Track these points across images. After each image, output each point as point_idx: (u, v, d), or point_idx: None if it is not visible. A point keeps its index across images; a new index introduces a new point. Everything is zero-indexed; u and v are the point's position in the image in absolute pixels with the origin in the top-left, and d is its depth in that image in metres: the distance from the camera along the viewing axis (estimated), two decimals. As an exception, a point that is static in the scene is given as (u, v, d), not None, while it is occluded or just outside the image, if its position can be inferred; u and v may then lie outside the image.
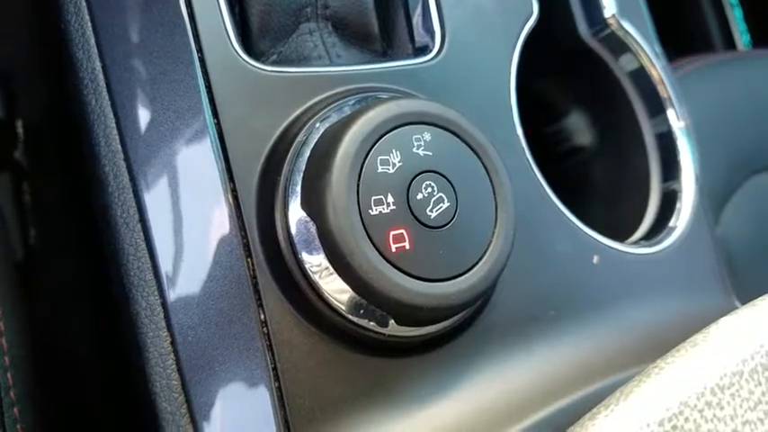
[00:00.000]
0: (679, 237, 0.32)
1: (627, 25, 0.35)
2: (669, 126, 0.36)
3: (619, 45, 0.36)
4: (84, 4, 0.25)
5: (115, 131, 0.24)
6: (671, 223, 0.33)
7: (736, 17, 1.17)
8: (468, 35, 0.29)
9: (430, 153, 0.24)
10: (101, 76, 0.24)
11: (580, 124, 0.40)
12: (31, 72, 0.54)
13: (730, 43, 1.16)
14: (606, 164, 0.39)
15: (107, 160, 0.24)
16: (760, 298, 0.20)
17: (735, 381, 0.15)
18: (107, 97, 0.24)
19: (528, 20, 0.31)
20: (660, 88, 0.36)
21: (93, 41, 0.24)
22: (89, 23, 0.25)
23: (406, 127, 0.24)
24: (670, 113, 0.36)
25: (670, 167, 0.36)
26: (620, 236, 0.35)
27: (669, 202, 0.35)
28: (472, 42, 0.29)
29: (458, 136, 0.24)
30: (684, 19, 1.17)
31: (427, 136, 0.24)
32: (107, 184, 0.24)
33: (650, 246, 0.32)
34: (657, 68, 0.36)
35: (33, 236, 0.46)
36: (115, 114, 0.24)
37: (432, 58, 0.28)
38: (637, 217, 0.35)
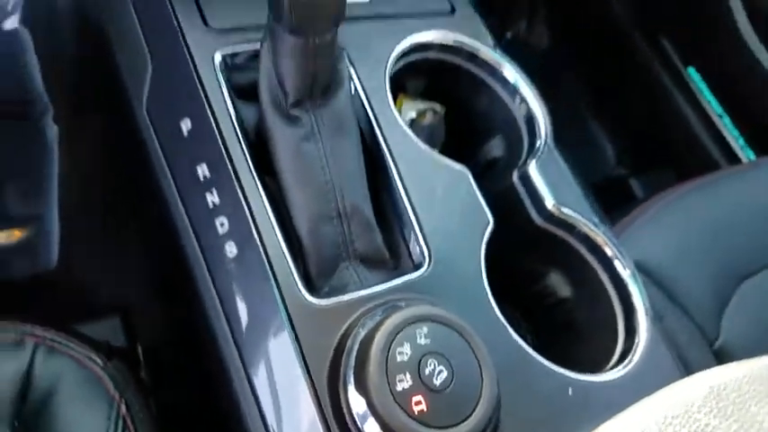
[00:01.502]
0: (638, 361, 0.43)
1: (566, 210, 0.49)
2: (620, 275, 0.48)
3: (566, 224, 0.50)
4: (209, 279, 0.42)
5: (237, 355, 0.39)
6: (633, 350, 0.44)
7: (726, 125, 1.28)
8: (447, 251, 0.44)
9: (429, 340, 0.37)
10: (225, 326, 0.40)
11: (558, 282, 0.52)
12: (147, 308, 0.72)
13: (728, 150, 1.26)
14: (584, 310, 0.51)
15: (234, 373, 0.39)
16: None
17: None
18: (228, 332, 0.40)
19: (487, 227, 0.46)
20: (606, 249, 0.49)
21: (221, 309, 0.41)
22: (215, 293, 0.41)
23: (410, 326, 0.37)
24: (618, 265, 0.49)
25: (628, 306, 0.48)
26: (601, 366, 0.46)
27: (631, 334, 0.46)
28: (450, 255, 0.44)
29: (446, 325, 0.38)
30: (679, 140, 1.30)
31: (425, 329, 0.38)
32: (235, 389, 0.39)
33: (616, 372, 0.43)
34: (600, 234, 0.49)
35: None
36: (236, 344, 0.40)
37: (425, 271, 0.43)
38: (611, 349, 0.46)
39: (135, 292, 0.71)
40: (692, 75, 1.33)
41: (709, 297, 0.64)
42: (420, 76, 0.58)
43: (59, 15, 0.86)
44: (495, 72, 0.55)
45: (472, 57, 0.55)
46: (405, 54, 0.53)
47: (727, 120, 1.29)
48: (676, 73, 1.32)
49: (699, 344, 0.60)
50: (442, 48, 0.55)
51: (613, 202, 1.28)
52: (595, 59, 1.47)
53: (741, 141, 1.27)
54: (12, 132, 0.98)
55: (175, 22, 0.47)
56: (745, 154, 1.27)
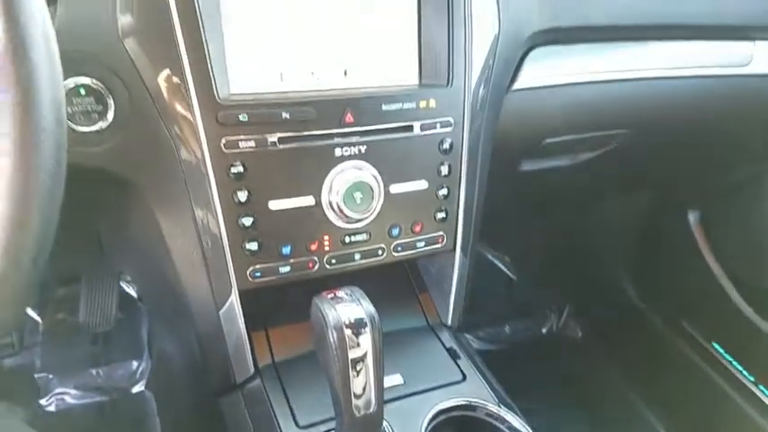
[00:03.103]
0: None
1: None
2: None
3: None
4: None
5: None
6: None
7: (762, 390, 1.35)
8: None
9: None
10: None
11: None
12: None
13: (773, 416, 1.31)
14: None
15: None
16: None
17: None
18: None
19: None
20: None
21: None
22: None
23: None
24: None
25: None
26: None
27: None
28: None
29: None
30: (721, 412, 1.36)
31: None
32: None
33: None
34: None
35: None
36: None
37: None
38: None
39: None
40: (718, 348, 1.46)
41: None
42: (449, 427, 0.77)
43: (180, 382, 1.11)
44: (504, 421, 0.75)
45: (484, 411, 0.75)
46: (434, 417, 0.74)
47: (761, 386, 1.37)
48: (703, 349, 1.46)
49: None
50: (461, 407, 0.76)
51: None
52: (626, 345, 1.64)
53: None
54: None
55: (276, 424, 0.70)
56: (789, 417, 1.31)
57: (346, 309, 0.58)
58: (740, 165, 1.24)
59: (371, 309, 0.58)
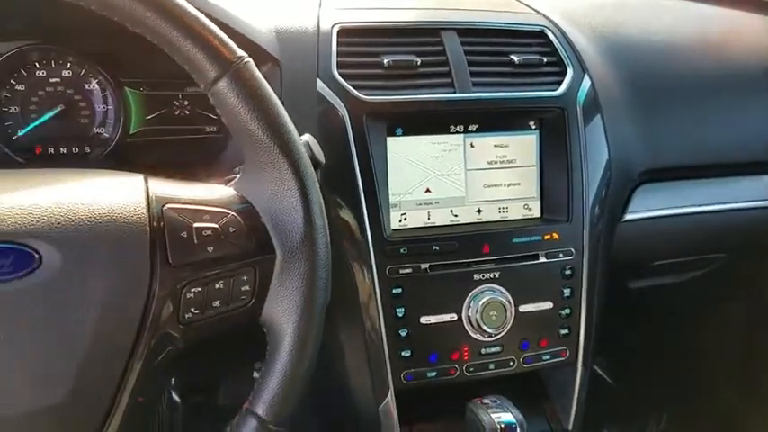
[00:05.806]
0: None
1: None
2: None
3: None
4: None
5: None
6: None
7: None
8: None
9: None
10: None
11: None
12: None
13: None
14: None
15: None
16: None
17: None
18: None
19: None
20: None
21: None
22: None
23: None
24: None
25: None
26: None
27: None
28: None
29: None
30: None
31: None
32: None
33: None
34: None
35: None
36: None
37: None
38: None
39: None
40: None
41: None
42: None
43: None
44: None
45: None
46: None
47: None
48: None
49: None
50: None
51: None
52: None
53: None
54: None
55: None
56: None
57: (498, 414, 0.70)
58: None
59: (520, 415, 0.70)
